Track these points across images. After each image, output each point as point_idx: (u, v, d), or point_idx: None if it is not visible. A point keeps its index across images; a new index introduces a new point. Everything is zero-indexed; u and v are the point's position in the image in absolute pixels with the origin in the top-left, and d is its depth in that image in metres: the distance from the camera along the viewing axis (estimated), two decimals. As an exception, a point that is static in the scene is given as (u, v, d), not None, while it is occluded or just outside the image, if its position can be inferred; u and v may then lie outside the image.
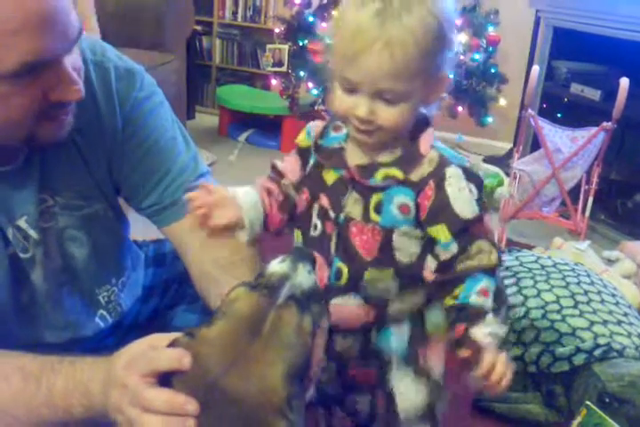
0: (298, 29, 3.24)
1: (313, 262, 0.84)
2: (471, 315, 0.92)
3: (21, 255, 0.98)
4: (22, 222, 0.97)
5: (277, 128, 3.75)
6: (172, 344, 0.77)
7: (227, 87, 4.18)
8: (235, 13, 4.33)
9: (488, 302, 0.93)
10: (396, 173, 0.94)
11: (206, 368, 0.74)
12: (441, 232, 0.94)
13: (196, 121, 4.09)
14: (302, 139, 1.06)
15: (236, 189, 1.02)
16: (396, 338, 1.02)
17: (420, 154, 0.94)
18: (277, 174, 1.07)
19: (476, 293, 0.93)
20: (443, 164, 0.93)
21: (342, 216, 0.97)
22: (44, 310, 1.03)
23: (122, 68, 1.04)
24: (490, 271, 0.95)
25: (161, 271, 1.28)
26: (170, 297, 1.27)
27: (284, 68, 3.28)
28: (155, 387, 0.75)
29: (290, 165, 1.06)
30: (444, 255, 0.95)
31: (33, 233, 0.98)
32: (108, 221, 1.09)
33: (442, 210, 0.93)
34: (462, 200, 0.93)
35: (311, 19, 3.18)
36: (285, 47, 3.28)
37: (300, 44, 3.19)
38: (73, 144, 1.00)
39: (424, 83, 0.89)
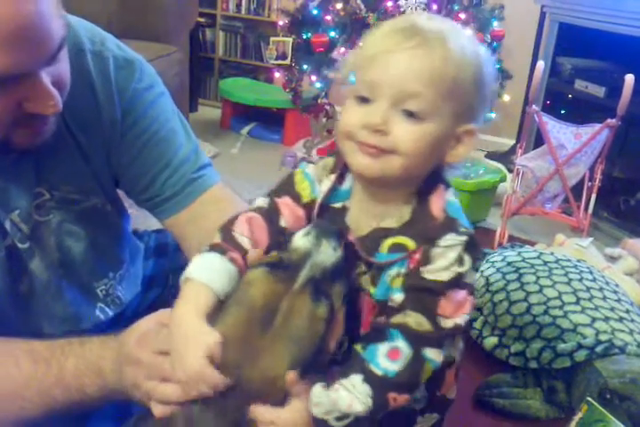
0: (302, 22, 3.23)
1: (338, 237, 0.80)
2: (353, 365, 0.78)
3: (19, 245, 0.97)
4: (15, 216, 0.96)
5: (280, 121, 3.74)
6: None
7: (230, 80, 4.16)
8: (238, 6, 4.31)
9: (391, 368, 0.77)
10: (406, 241, 0.80)
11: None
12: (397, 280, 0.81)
13: (199, 114, 4.09)
14: (304, 187, 0.88)
15: (192, 276, 0.81)
16: None
17: (431, 217, 0.80)
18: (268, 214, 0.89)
19: (386, 354, 0.78)
20: (446, 227, 0.79)
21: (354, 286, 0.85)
22: (44, 301, 1.02)
23: (121, 57, 1.03)
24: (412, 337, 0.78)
25: (162, 261, 1.28)
26: (172, 287, 1.26)
27: (287, 61, 3.26)
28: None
29: (292, 217, 0.88)
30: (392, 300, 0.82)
31: (24, 227, 0.97)
32: (106, 215, 1.08)
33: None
34: (440, 263, 0.78)
35: (315, 12, 3.17)
36: (289, 40, 3.26)
37: (304, 37, 3.17)
38: (71, 136, 0.99)
39: (453, 116, 0.77)
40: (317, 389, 0.77)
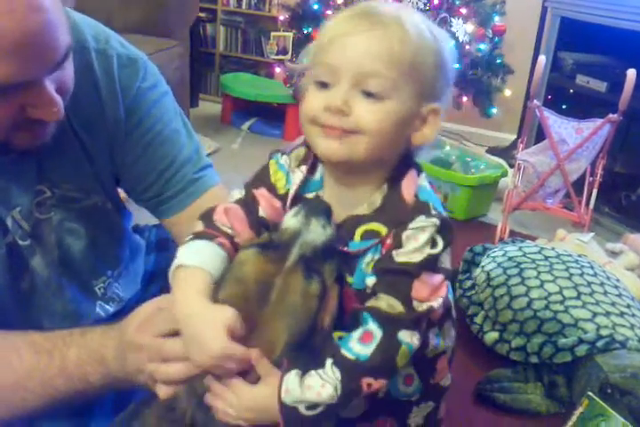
0: (302, 17, 3.23)
1: (328, 215, 0.80)
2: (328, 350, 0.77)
3: (20, 242, 0.97)
4: (16, 214, 0.96)
5: (281, 117, 3.74)
6: None
7: (230, 75, 4.16)
8: (239, 1, 4.30)
9: (364, 352, 0.76)
10: (378, 227, 0.80)
11: None
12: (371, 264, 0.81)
13: (199, 109, 4.08)
14: (279, 178, 0.88)
15: (182, 262, 0.82)
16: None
17: (403, 202, 0.80)
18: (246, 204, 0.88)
19: (358, 338, 0.77)
20: (417, 210, 0.79)
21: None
22: (45, 298, 1.02)
23: (124, 56, 1.02)
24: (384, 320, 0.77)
25: (164, 256, 1.27)
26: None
27: (288, 56, 3.27)
28: (171, 339, 0.81)
29: (269, 208, 0.87)
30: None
31: (25, 225, 0.97)
32: (107, 214, 1.08)
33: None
34: (411, 245, 0.77)
35: (316, 6, 3.17)
36: (290, 35, 3.27)
37: (305, 31, 3.18)
38: (74, 135, 0.99)
39: (415, 96, 0.77)
40: (291, 375, 0.76)
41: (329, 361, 0.76)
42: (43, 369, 0.88)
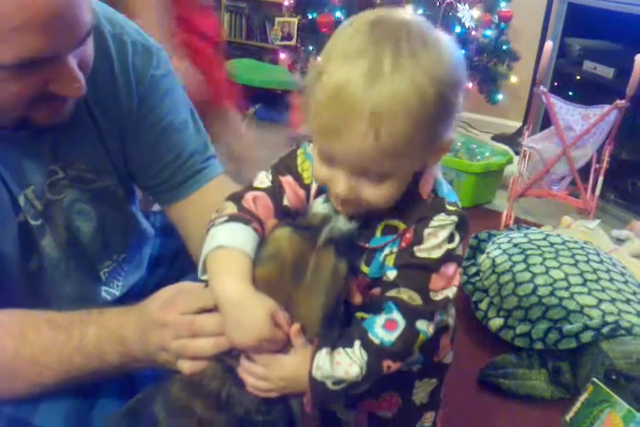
0: (307, 2, 3.20)
1: None
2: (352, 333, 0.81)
3: (32, 222, 0.97)
4: (29, 192, 0.95)
5: (285, 103, 3.72)
6: None
7: (235, 61, 4.13)
8: (243, -14, 4.28)
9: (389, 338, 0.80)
10: (397, 224, 0.83)
11: None
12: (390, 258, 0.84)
13: (204, 95, 4.06)
14: (305, 168, 0.88)
15: (221, 244, 0.82)
16: None
17: (420, 199, 0.82)
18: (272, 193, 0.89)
19: (383, 325, 0.81)
20: (435, 208, 0.81)
21: None
22: (53, 280, 1.02)
23: (139, 43, 1.02)
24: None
25: (169, 241, 1.28)
26: (178, 267, 1.27)
27: (292, 42, 3.25)
28: (203, 315, 0.83)
29: (294, 196, 0.89)
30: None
31: (38, 204, 0.97)
32: (117, 198, 1.08)
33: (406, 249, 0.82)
34: (431, 242, 0.80)
35: (321, -9, 3.14)
36: (294, 20, 3.24)
37: (310, 17, 3.15)
38: (89, 115, 0.98)
39: (418, 155, 0.76)
40: (322, 353, 0.80)
41: (357, 343, 0.80)
42: (60, 346, 0.88)
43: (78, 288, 1.05)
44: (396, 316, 0.80)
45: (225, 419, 0.83)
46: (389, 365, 0.81)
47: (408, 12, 0.78)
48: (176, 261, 1.27)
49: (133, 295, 1.15)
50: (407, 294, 0.81)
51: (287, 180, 0.88)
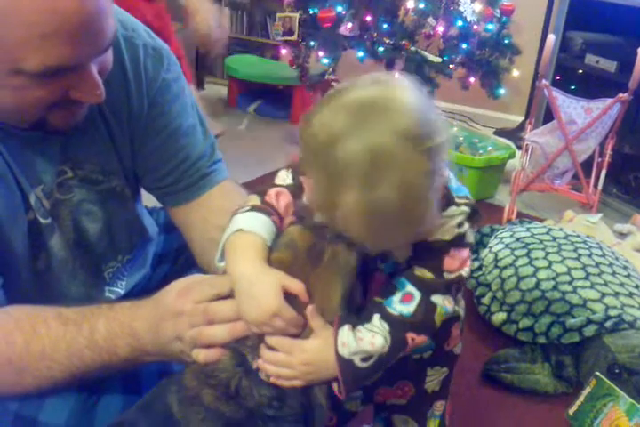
0: (308, -3, 3.19)
1: None
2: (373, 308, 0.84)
3: (42, 220, 0.97)
4: (39, 191, 0.96)
5: (287, 98, 3.72)
6: None
7: (236, 57, 4.13)
8: (244, -18, 4.26)
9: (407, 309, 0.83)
10: None
11: None
12: None
13: (205, 91, 4.07)
14: None
15: (240, 227, 0.84)
16: None
17: None
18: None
19: (399, 299, 0.84)
20: (446, 202, 0.82)
21: None
22: (59, 279, 1.03)
23: (150, 45, 1.03)
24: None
25: (172, 238, 1.28)
26: (181, 264, 1.27)
27: (294, 38, 3.23)
28: (218, 301, 0.84)
29: None
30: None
31: (47, 203, 0.98)
32: (124, 199, 1.09)
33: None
34: (442, 228, 0.83)
35: (322, -14, 3.13)
36: (296, 16, 3.22)
37: (311, 12, 3.14)
38: (101, 116, 0.99)
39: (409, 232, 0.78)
40: (344, 330, 0.81)
41: (376, 316, 0.82)
42: (70, 340, 0.88)
43: (83, 288, 1.06)
44: (410, 288, 0.83)
45: (232, 409, 0.84)
46: (413, 337, 0.83)
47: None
48: (179, 258, 1.28)
49: (137, 293, 1.15)
50: (419, 271, 0.84)
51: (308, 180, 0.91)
